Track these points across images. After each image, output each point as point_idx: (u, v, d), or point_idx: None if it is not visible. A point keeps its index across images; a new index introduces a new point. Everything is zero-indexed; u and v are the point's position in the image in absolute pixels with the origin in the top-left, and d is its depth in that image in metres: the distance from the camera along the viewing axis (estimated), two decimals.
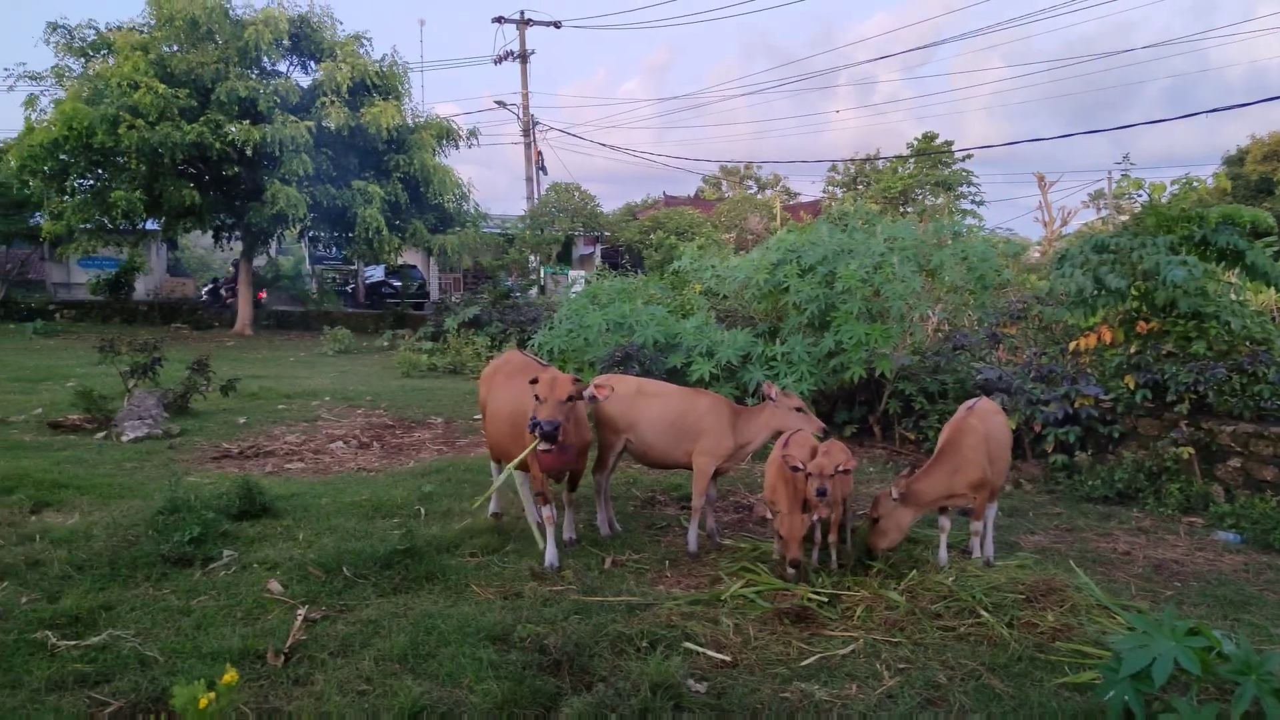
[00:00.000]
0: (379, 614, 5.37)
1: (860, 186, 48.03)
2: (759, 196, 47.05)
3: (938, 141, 44.91)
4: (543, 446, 6.00)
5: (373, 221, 25.52)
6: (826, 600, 5.78)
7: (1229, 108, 44.10)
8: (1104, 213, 39.47)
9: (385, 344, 25.38)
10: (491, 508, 7.69)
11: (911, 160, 43.96)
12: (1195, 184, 10.30)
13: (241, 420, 12.60)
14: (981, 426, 6.50)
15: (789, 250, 11.96)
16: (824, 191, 49.85)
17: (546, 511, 6.53)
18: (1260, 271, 9.43)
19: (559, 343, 11.86)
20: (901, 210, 39.66)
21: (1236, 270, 10.18)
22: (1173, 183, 10.56)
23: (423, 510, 7.84)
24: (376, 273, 39.67)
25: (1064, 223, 38.22)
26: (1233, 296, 11.35)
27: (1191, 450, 8.51)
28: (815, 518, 6.14)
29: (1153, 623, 4.33)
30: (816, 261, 11.33)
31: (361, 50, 27.21)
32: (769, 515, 6.45)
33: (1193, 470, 8.53)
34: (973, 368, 10.97)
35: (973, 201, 41.04)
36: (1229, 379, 8.52)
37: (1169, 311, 9.38)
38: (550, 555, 6.46)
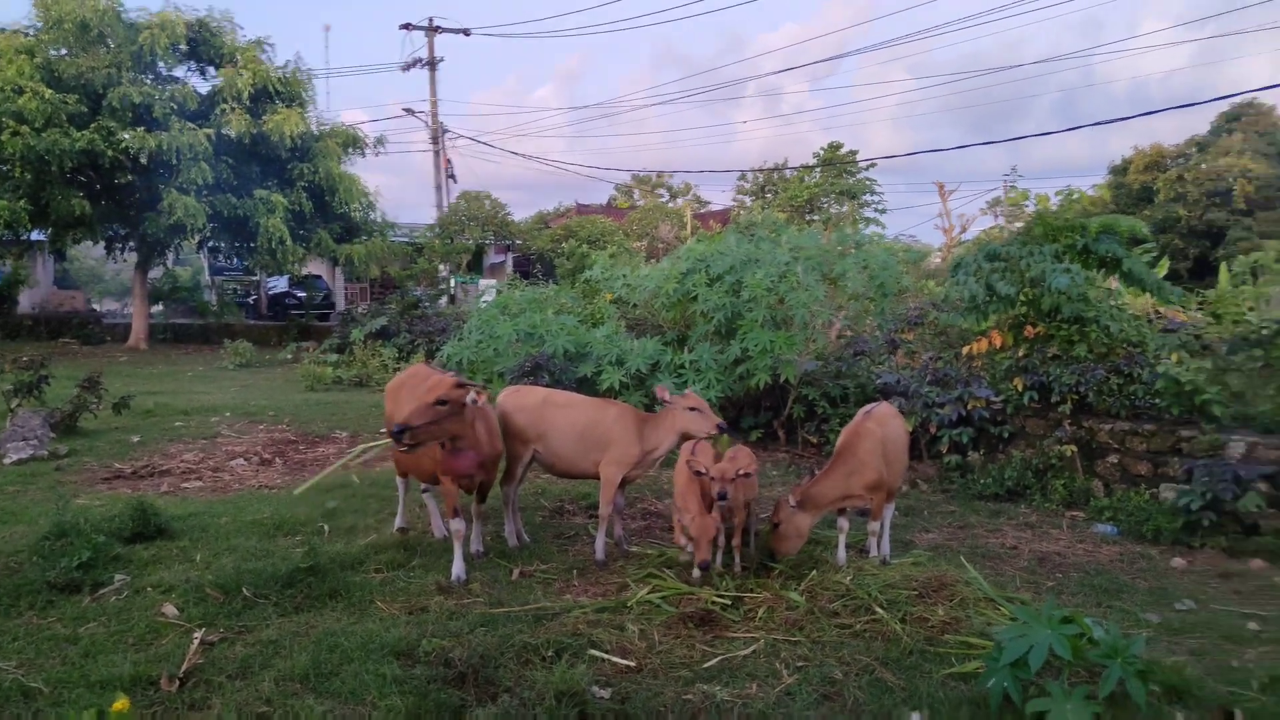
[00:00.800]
0: (280, 634, 5.28)
1: (769, 195, 48.91)
2: (670, 205, 47.48)
3: (842, 151, 46.11)
4: (400, 447, 5.97)
5: (276, 231, 24.89)
6: (729, 603, 5.92)
7: (1111, 121, 46.49)
8: (999, 220, 41.07)
9: (289, 357, 24.76)
10: (398, 522, 7.62)
11: (817, 170, 45.02)
12: (1077, 195, 10.83)
13: (135, 439, 12.16)
14: (878, 430, 6.75)
15: (698, 260, 12.17)
16: (733, 200, 50.63)
17: (455, 524, 6.50)
18: (1136, 278, 9.99)
19: (468, 354, 11.81)
20: (808, 218, 40.58)
21: (1116, 276, 10.76)
22: (1057, 194, 11.13)
23: (326, 527, 7.72)
24: (280, 284, 38.64)
25: (963, 230, 39.69)
26: (1113, 302, 12.00)
27: (1074, 448, 8.97)
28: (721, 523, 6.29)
29: (1031, 613, 4.59)
30: (724, 271, 11.55)
31: (263, 56, 26.53)
32: (680, 519, 6.54)
33: (1075, 467, 9.00)
34: (873, 373, 11.33)
35: (876, 210, 42.31)
36: (1107, 380, 9.01)
37: (1054, 316, 9.86)
38: (457, 568, 6.44)
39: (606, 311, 13.24)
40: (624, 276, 13.72)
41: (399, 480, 7.68)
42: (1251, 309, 12.16)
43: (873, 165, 43.71)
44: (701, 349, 11.10)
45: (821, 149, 46.67)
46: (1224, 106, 42.87)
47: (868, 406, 7.14)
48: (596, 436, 6.90)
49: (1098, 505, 8.54)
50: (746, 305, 11.04)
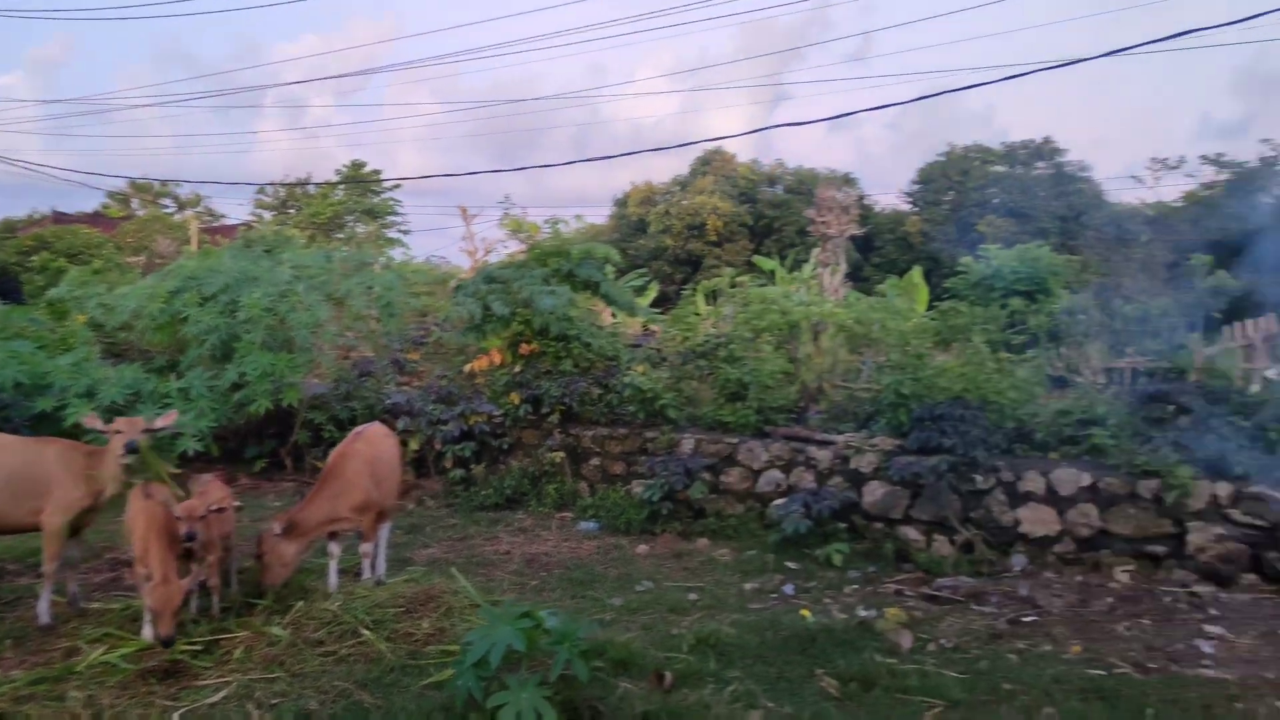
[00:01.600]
0: None
1: (291, 211, 46.63)
2: (177, 216, 43.08)
3: (367, 169, 45.55)
4: None
5: None
6: (201, 648, 5.50)
7: (614, 156, 51.81)
8: (518, 245, 43.48)
9: None
10: None
11: (341, 187, 43.96)
12: (562, 224, 11.95)
13: None
14: (366, 450, 6.75)
15: (188, 278, 11.16)
16: (251, 215, 47.42)
17: None
18: (613, 298, 11.22)
19: None
20: (332, 237, 39.40)
21: (600, 297, 11.98)
22: (545, 222, 12.06)
23: None
24: None
25: (487, 252, 41.39)
26: (607, 320, 13.36)
27: (563, 454, 9.81)
28: (193, 580, 5.60)
29: (495, 613, 4.90)
30: (218, 290, 10.73)
31: None
32: (139, 582, 5.59)
33: (565, 471, 9.84)
34: (382, 393, 11.31)
35: (400, 230, 42.47)
36: (588, 391, 9.99)
37: (545, 334, 10.68)
38: None
39: (82, 335, 11.59)
40: (99, 295, 12.13)
41: None
42: (715, 325, 14.31)
43: (398, 185, 43.79)
44: (193, 375, 10.18)
45: (345, 166, 45.69)
46: (699, 151, 50.08)
47: (358, 428, 7.12)
48: (30, 481, 5.97)
49: (583, 504, 9.42)
50: (244, 326, 10.37)
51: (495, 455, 10.25)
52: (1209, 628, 5.94)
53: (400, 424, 10.12)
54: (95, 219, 36.54)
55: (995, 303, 15.57)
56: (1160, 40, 10.00)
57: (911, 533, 7.88)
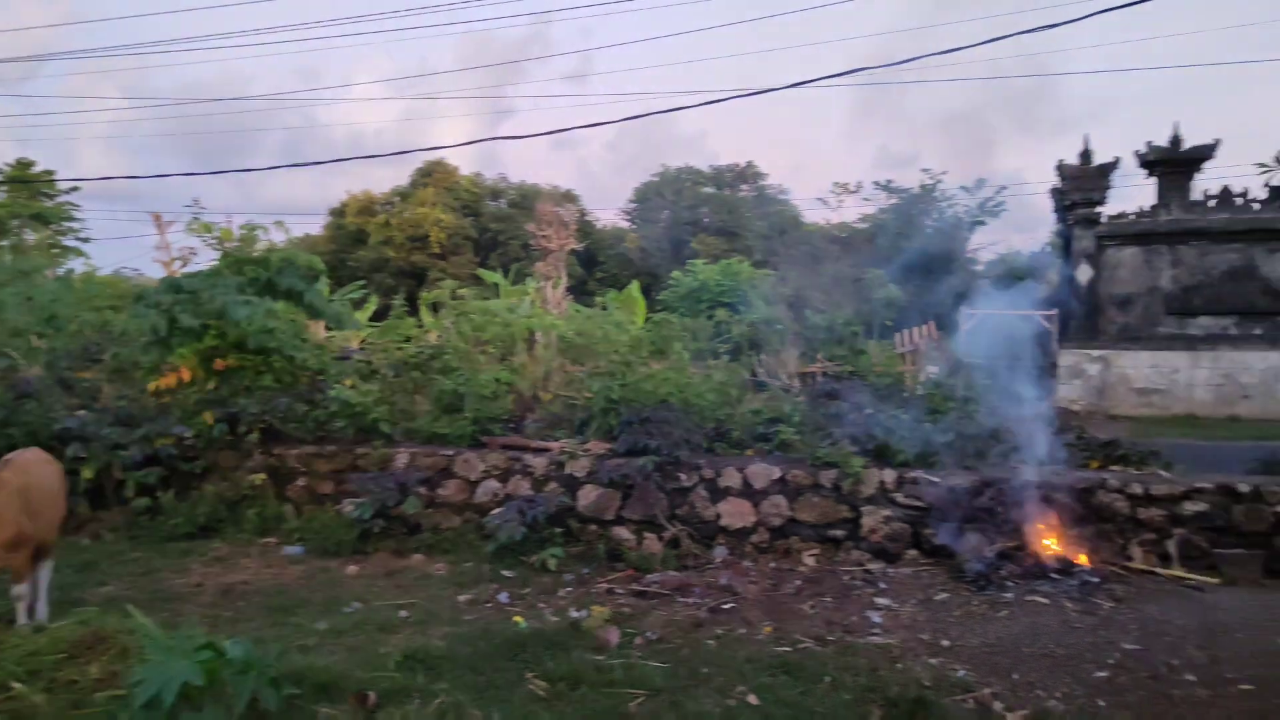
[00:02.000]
0: None
1: None
2: None
3: (37, 169, 40.32)
4: None
5: None
6: None
7: (329, 161, 49.35)
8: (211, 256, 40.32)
9: None
10: None
11: (3, 189, 38.59)
12: (260, 230, 11.21)
13: None
14: (16, 480, 5.94)
15: None
16: None
17: None
18: (318, 309, 10.66)
19: None
20: None
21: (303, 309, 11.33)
22: (241, 228, 11.28)
23: None
24: None
25: (185, 263, 37.95)
26: (321, 335, 12.67)
27: (265, 476, 9.16)
28: None
29: (166, 646, 4.47)
30: None
31: None
32: None
33: (268, 494, 9.19)
34: (49, 417, 10.00)
35: (79, 238, 37.93)
36: (292, 407, 9.42)
37: (242, 348, 9.94)
38: None
39: None
40: None
41: None
42: (438, 336, 14.00)
43: (76, 188, 39.11)
44: None
45: (8, 165, 40.16)
46: (419, 162, 49.12)
47: (9, 455, 6.24)
48: None
49: (290, 527, 8.84)
50: None
51: (187, 481, 9.37)
52: (879, 600, 6.63)
53: (70, 450, 9.00)
54: None
55: (703, 313, 16.60)
56: (838, 75, 11.09)
57: (624, 532, 8.13)
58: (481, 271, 26.99)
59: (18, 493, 5.95)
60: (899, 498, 7.62)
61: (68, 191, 40.09)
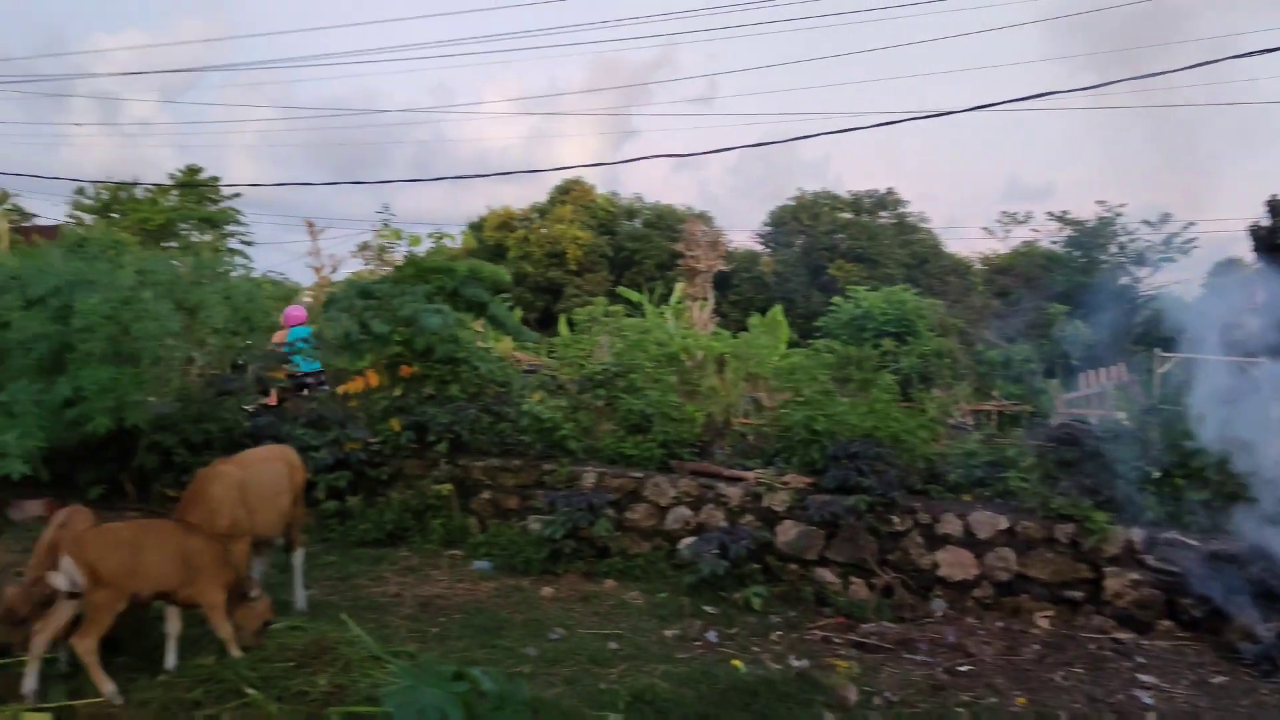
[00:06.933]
0: None
1: (116, 215, 43.02)
2: None
3: (203, 175, 42.68)
4: None
5: None
6: (56, 714, 4.56)
7: (470, 176, 50.80)
8: (369, 264, 41.73)
9: None
10: None
11: (175, 193, 40.95)
12: (447, 239, 11.28)
13: None
14: (238, 474, 6.17)
15: (10, 277, 9.76)
16: (69, 216, 43.46)
17: None
18: (500, 321, 10.60)
19: None
20: (164, 245, 36.55)
21: (483, 319, 11.32)
22: (429, 236, 11.35)
23: None
24: None
25: (334, 269, 39.46)
26: (480, 343, 12.63)
27: (451, 486, 9.04)
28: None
29: (416, 672, 4.24)
30: (47, 292, 9.42)
31: None
32: None
33: (453, 505, 9.07)
34: (242, 416, 10.21)
35: (242, 241, 39.88)
36: (479, 418, 9.29)
37: (428, 356, 9.92)
38: None
39: None
40: None
41: None
42: (590, 354, 13.87)
43: (238, 195, 41.19)
44: (17, 388, 8.83)
45: (179, 170, 42.65)
46: (557, 179, 49.84)
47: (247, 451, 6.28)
48: None
49: (474, 541, 8.68)
50: (80, 335, 9.11)
51: (373, 486, 9.36)
52: (1142, 677, 5.93)
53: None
54: None
55: (868, 342, 15.93)
56: (1030, 98, 10.37)
57: (828, 575, 7.63)
58: (623, 290, 26.93)
59: (236, 486, 5.98)
60: (1149, 560, 6.86)
61: (229, 197, 42.25)
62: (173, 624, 5.27)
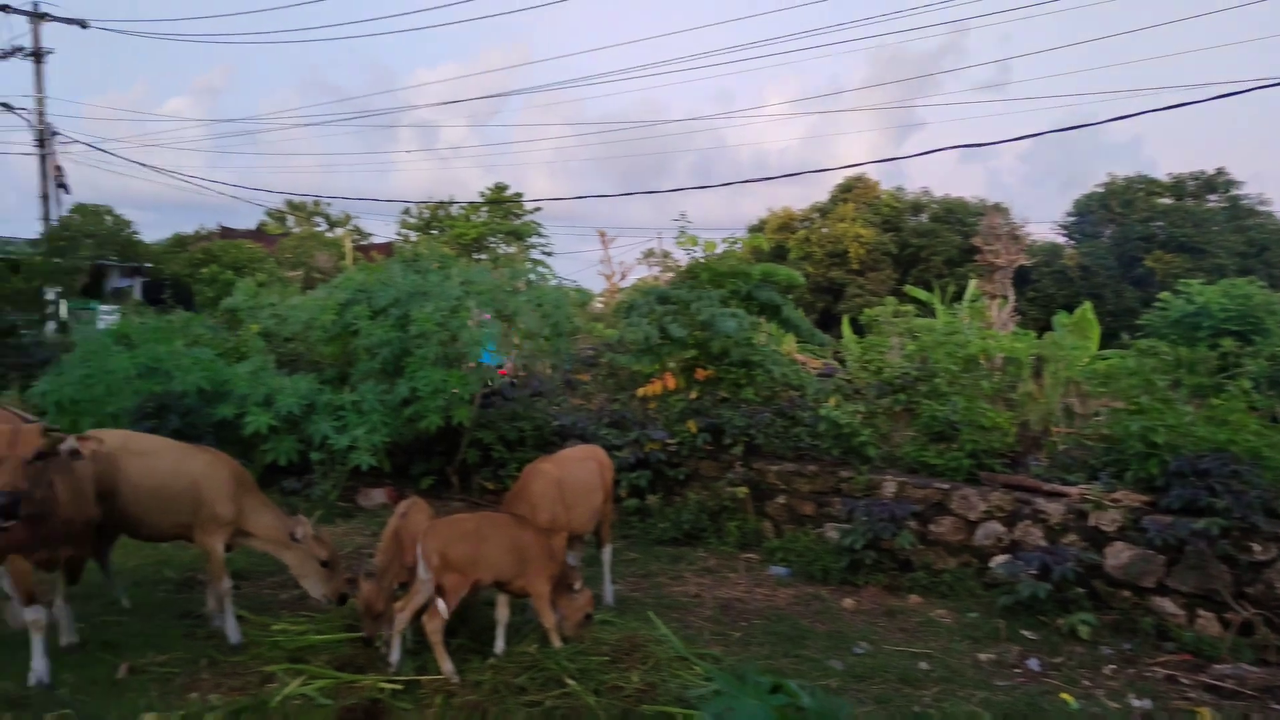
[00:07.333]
0: None
1: (434, 231, 47.82)
2: (329, 234, 44.78)
3: (508, 192, 46.33)
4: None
5: None
6: (403, 687, 5.04)
7: (751, 180, 51.25)
8: (654, 270, 43.24)
9: None
10: None
11: (485, 209, 44.81)
12: (739, 243, 11.34)
13: None
14: (556, 471, 6.59)
15: (358, 290, 11.06)
16: (397, 234, 48.90)
17: (31, 613, 5.02)
18: (794, 324, 10.48)
19: (69, 391, 9.70)
20: (477, 257, 40.10)
21: (775, 322, 11.27)
22: (723, 241, 11.48)
23: None
24: None
25: (623, 277, 41.34)
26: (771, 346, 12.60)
27: (746, 489, 9.07)
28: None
29: (735, 680, 4.21)
30: (389, 303, 10.57)
31: None
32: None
33: (747, 508, 9.10)
34: (549, 415, 10.89)
35: (543, 252, 42.90)
36: (773, 422, 9.25)
37: (723, 359, 10.03)
38: (38, 669, 4.99)
39: (254, 345, 11.65)
40: (273, 306, 12.20)
41: None
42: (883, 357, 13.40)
43: (539, 208, 44.34)
44: (365, 389, 10.00)
45: (488, 189, 46.59)
46: (839, 177, 48.91)
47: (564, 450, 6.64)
48: (179, 492, 5.74)
49: (770, 546, 8.65)
50: (415, 341, 10.14)
51: (670, 486, 9.61)
52: None
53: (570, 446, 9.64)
54: (257, 235, 38.24)
55: (1203, 343, 14.08)
56: None
57: (1169, 605, 6.79)
58: (910, 288, 25.84)
59: (555, 483, 6.30)
60: None
61: (531, 211, 45.51)
62: (502, 611, 5.66)
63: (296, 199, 48.67)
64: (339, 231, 46.54)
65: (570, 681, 5.18)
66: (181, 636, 5.88)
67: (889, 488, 8.38)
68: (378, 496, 10.24)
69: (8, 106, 30.58)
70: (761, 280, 10.89)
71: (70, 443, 5.00)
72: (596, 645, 5.61)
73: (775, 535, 8.91)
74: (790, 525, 8.90)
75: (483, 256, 41.47)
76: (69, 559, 5.35)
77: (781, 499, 9.06)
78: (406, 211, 48.59)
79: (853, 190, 48.00)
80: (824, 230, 46.00)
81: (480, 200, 45.92)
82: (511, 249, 41.01)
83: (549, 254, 43.54)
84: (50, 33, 31.22)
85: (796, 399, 9.75)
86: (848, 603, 7.35)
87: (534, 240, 43.06)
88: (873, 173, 49.53)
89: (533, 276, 12.14)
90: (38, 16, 30.33)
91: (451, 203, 44.59)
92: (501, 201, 44.00)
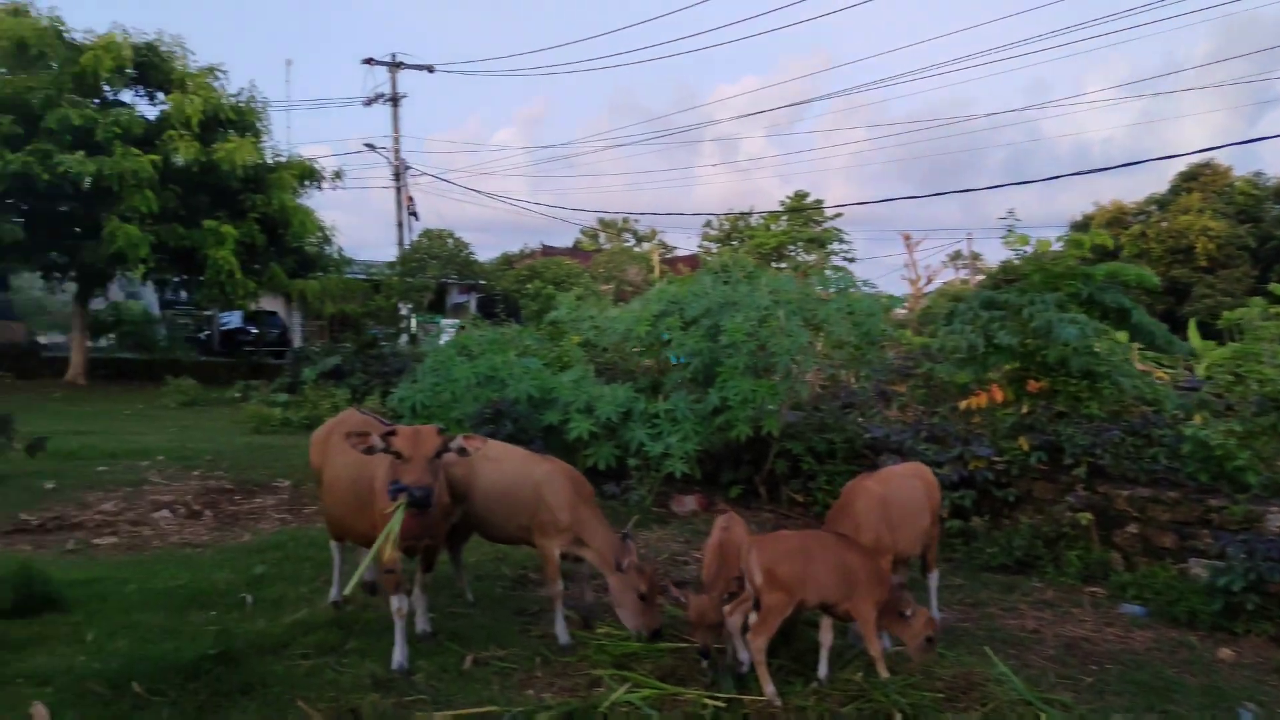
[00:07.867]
0: None
1: (735, 242, 48.55)
2: (637, 249, 46.94)
3: (808, 200, 45.96)
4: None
5: (225, 264, 23.68)
6: (725, 705, 4.97)
7: (1068, 175, 46.92)
8: (962, 273, 40.91)
9: (237, 395, 23.38)
10: (332, 594, 6.59)
11: (784, 217, 44.79)
12: (1082, 242, 10.23)
13: (49, 485, 10.93)
14: (880, 489, 6.15)
15: (671, 301, 11.34)
16: (699, 246, 50.22)
17: (397, 601, 5.52)
18: (1146, 331, 9.32)
19: (422, 397, 10.78)
20: (776, 266, 40.19)
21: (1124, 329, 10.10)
22: (1058, 239, 10.48)
23: (249, 598, 6.65)
24: (234, 319, 37.21)
25: (929, 281, 39.49)
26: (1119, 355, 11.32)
27: (1090, 515, 8.15)
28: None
29: None
30: (700, 314, 10.74)
31: (216, 83, 25.47)
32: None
33: (1092, 537, 8.17)
34: (861, 426, 10.50)
35: (845, 258, 42.11)
36: (1123, 441, 8.24)
37: (1060, 370, 9.12)
38: (399, 655, 5.47)
39: (574, 355, 12.33)
40: (592, 318, 12.83)
41: (334, 545, 6.65)
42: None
43: (839, 214, 43.56)
44: (677, 398, 10.21)
45: (788, 197, 46.51)
46: (1181, 165, 43.54)
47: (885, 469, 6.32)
48: (522, 498, 6.04)
49: (1119, 580, 7.70)
50: (725, 351, 10.20)
51: (998, 508, 8.87)
52: None
53: (882, 460, 9.19)
54: (574, 251, 40.95)
55: None
56: None
57: None
58: (1277, 287, 22.24)
59: (879, 503, 5.95)
60: None
61: (832, 218, 44.83)
62: (826, 635, 5.43)
63: (607, 216, 51.58)
64: (646, 246, 48.63)
65: (900, 716, 4.85)
66: (517, 632, 6.22)
67: (1275, 521, 7.14)
68: (689, 503, 10.39)
69: (371, 147, 35.08)
70: (1106, 280, 9.79)
71: (458, 442, 5.48)
72: (929, 680, 5.22)
73: (1125, 568, 7.92)
74: (1144, 558, 7.87)
75: (783, 265, 41.45)
76: (426, 549, 5.84)
77: (1133, 528, 8.04)
78: (708, 224, 49.79)
79: (1198, 178, 42.61)
80: (1163, 224, 41.18)
81: (779, 209, 45.93)
82: (811, 257, 40.60)
83: (850, 260, 42.64)
84: (403, 79, 35.43)
85: (1150, 415, 8.63)
86: (1225, 653, 6.33)
87: (834, 246, 42.33)
88: (1222, 158, 43.61)
89: (843, 284, 11.81)
90: (394, 66, 34.52)
91: (751, 213, 45.01)
92: (801, 209, 43.73)
